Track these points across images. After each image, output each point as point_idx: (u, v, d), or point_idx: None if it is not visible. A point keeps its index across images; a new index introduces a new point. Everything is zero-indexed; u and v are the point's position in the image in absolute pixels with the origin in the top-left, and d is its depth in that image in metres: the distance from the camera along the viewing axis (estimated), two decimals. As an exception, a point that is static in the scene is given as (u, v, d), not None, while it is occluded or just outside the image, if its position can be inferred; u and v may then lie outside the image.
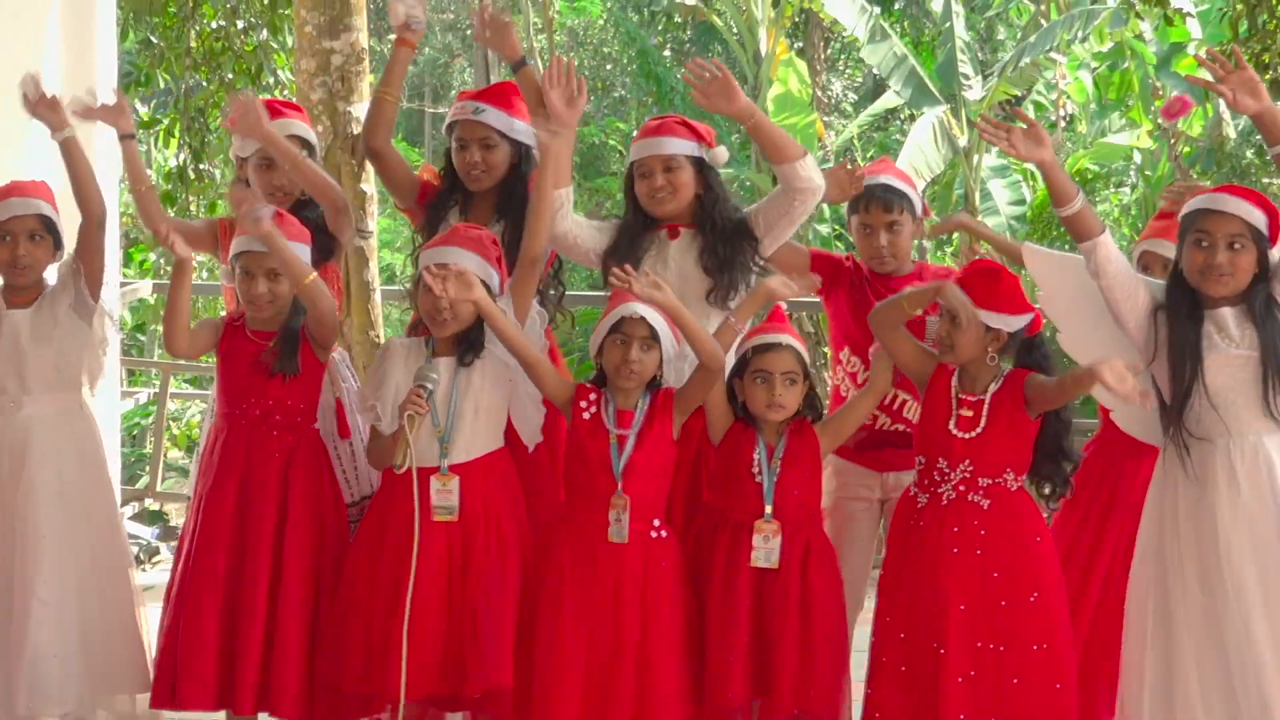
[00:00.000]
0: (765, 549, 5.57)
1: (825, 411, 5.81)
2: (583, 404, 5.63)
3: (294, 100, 8.71)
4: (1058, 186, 5.42)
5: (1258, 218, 5.34)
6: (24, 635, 5.80)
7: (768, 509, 5.59)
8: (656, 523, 5.61)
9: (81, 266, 5.98)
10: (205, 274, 10.08)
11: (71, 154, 6.01)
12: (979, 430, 5.54)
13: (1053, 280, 5.70)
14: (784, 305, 6.05)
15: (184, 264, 5.89)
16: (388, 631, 5.57)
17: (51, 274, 6.07)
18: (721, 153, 6.18)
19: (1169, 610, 5.49)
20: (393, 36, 6.59)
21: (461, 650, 5.58)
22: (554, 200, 5.89)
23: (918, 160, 20.83)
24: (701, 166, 6.09)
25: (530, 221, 5.83)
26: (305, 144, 6.44)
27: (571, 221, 6.09)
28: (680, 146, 6.05)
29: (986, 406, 5.54)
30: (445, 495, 5.59)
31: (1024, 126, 5.42)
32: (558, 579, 5.57)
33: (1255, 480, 5.33)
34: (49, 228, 5.97)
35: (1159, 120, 6.76)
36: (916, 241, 6.44)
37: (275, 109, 6.49)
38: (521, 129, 6.26)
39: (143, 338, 14.19)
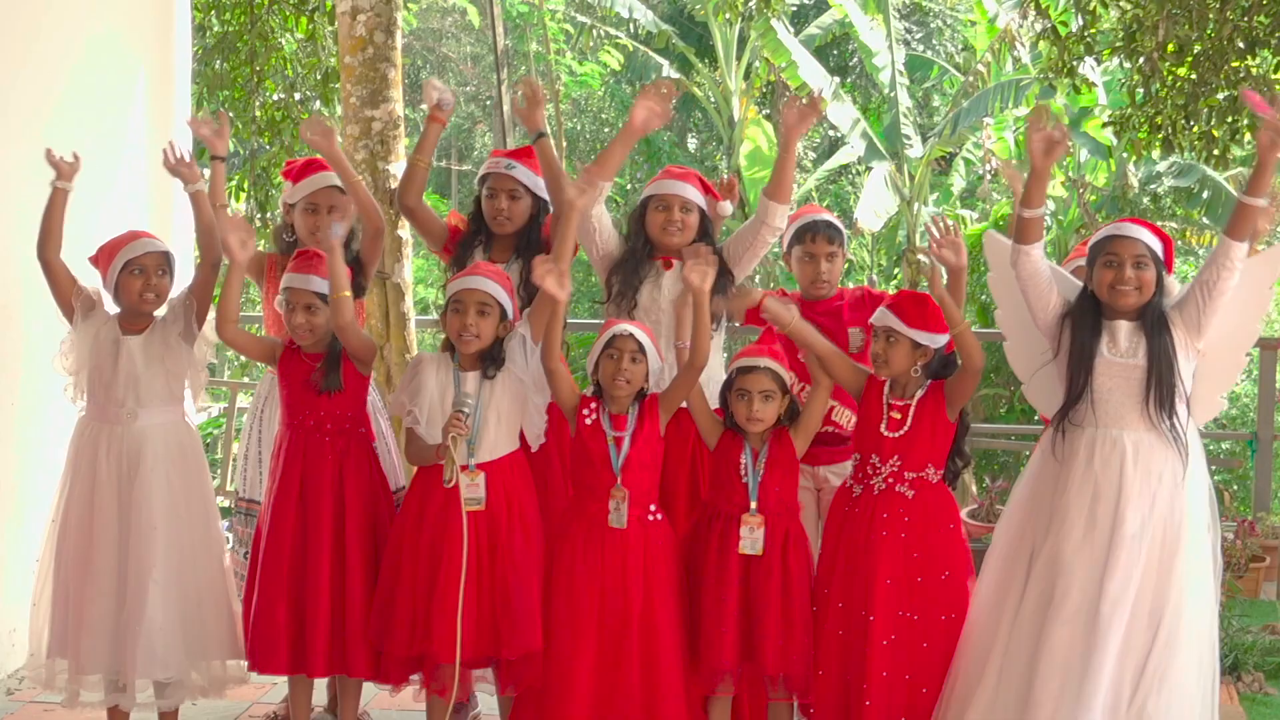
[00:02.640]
0: (751, 538, 5.62)
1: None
2: (585, 411, 5.68)
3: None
4: (1035, 192, 5.43)
5: (1155, 243, 5.40)
6: (140, 610, 5.84)
7: (753, 504, 5.64)
8: (652, 508, 5.66)
9: (194, 302, 6.03)
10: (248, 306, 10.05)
11: (199, 205, 6.14)
12: (905, 430, 5.60)
13: (1000, 264, 5.73)
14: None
15: (237, 263, 5.93)
16: (429, 604, 5.61)
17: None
18: (726, 207, 6.30)
19: (1006, 565, 5.54)
20: (424, 106, 6.62)
21: (495, 621, 5.62)
22: (574, 233, 5.87)
23: (876, 207, 20.91)
24: (704, 216, 6.16)
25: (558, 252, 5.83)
26: (342, 193, 6.49)
27: (602, 210, 6.19)
28: (696, 195, 6.15)
29: (912, 410, 5.62)
30: (474, 489, 5.61)
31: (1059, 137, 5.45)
32: (570, 560, 5.61)
33: (1107, 468, 5.36)
34: (170, 265, 6.02)
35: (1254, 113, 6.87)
36: (864, 274, 6.48)
37: (320, 164, 6.54)
38: (542, 185, 6.32)
39: (214, 360, 14.19)
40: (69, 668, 5.97)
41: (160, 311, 6.04)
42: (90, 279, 6.05)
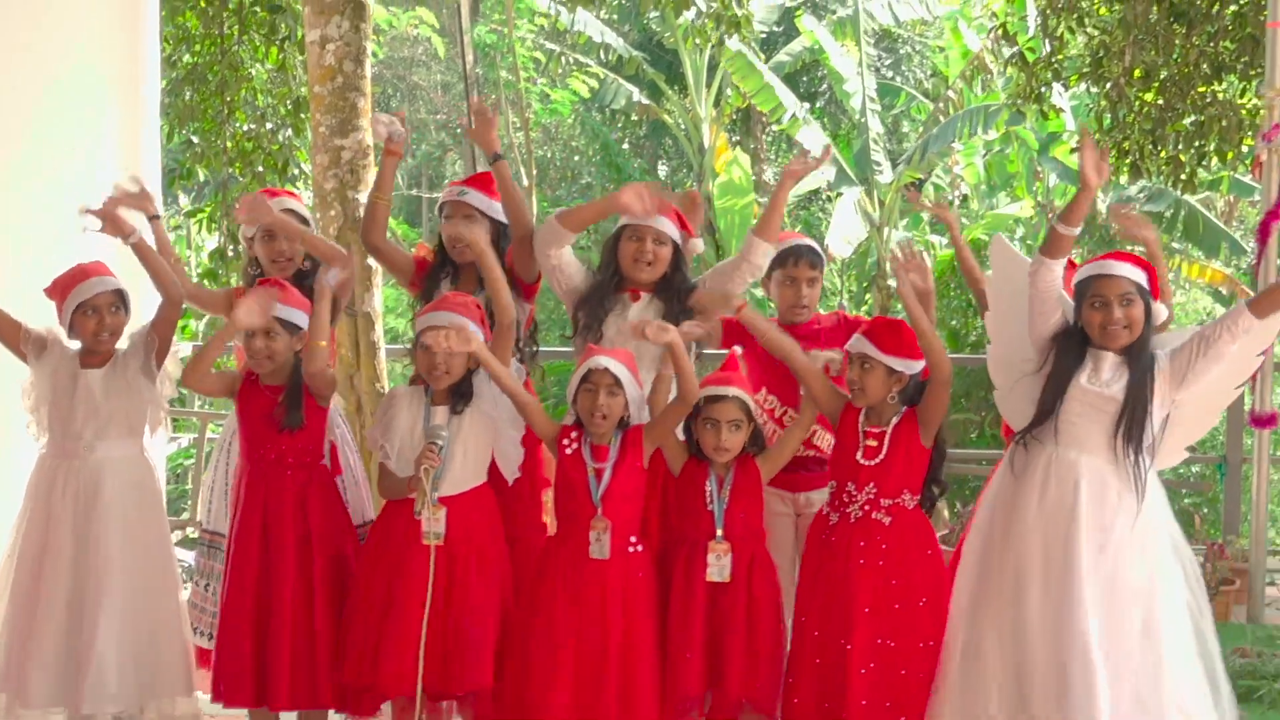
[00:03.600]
0: (718, 565, 5.62)
1: (767, 445, 5.85)
2: (565, 442, 5.69)
3: (311, 188, 8.77)
4: (1077, 210, 5.43)
5: (1140, 275, 5.42)
6: (92, 643, 5.83)
7: (719, 531, 5.64)
8: (633, 539, 5.66)
9: (155, 338, 6.03)
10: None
11: (144, 254, 6.10)
12: (881, 457, 5.61)
13: (1003, 270, 5.78)
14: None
15: (231, 323, 5.89)
16: (380, 636, 5.62)
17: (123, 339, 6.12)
18: (698, 244, 6.28)
19: (976, 584, 5.55)
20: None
21: (446, 656, 5.61)
22: (502, 278, 5.88)
23: (847, 233, 20.94)
24: (677, 249, 6.16)
25: (494, 300, 5.83)
26: (300, 217, 6.52)
27: (566, 255, 6.20)
28: (671, 229, 6.13)
29: (888, 437, 5.62)
30: (434, 523, 5.62)
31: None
32: (551, 590, 5.61)
33: (1062, 488, 5.39)
34: (123, 299, 6.03)
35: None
36: (836, 299, 6.51)
37: (273, 193, 6.58)
38: (498, 209, 6.31)
39: (185, 391, 14.16)
40: (9, 702, 5.95)
41: (122, 344, 6.04)
42: (44, 313, 6.05)
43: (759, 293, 8.15)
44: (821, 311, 6.56)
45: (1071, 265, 5.83)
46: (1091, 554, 5.33)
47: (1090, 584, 5.31)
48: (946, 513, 13.11)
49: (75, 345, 6.06)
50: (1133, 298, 5.39)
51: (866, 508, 5.61)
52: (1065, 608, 5.30)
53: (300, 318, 5.90)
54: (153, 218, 6.35)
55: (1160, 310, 5.56)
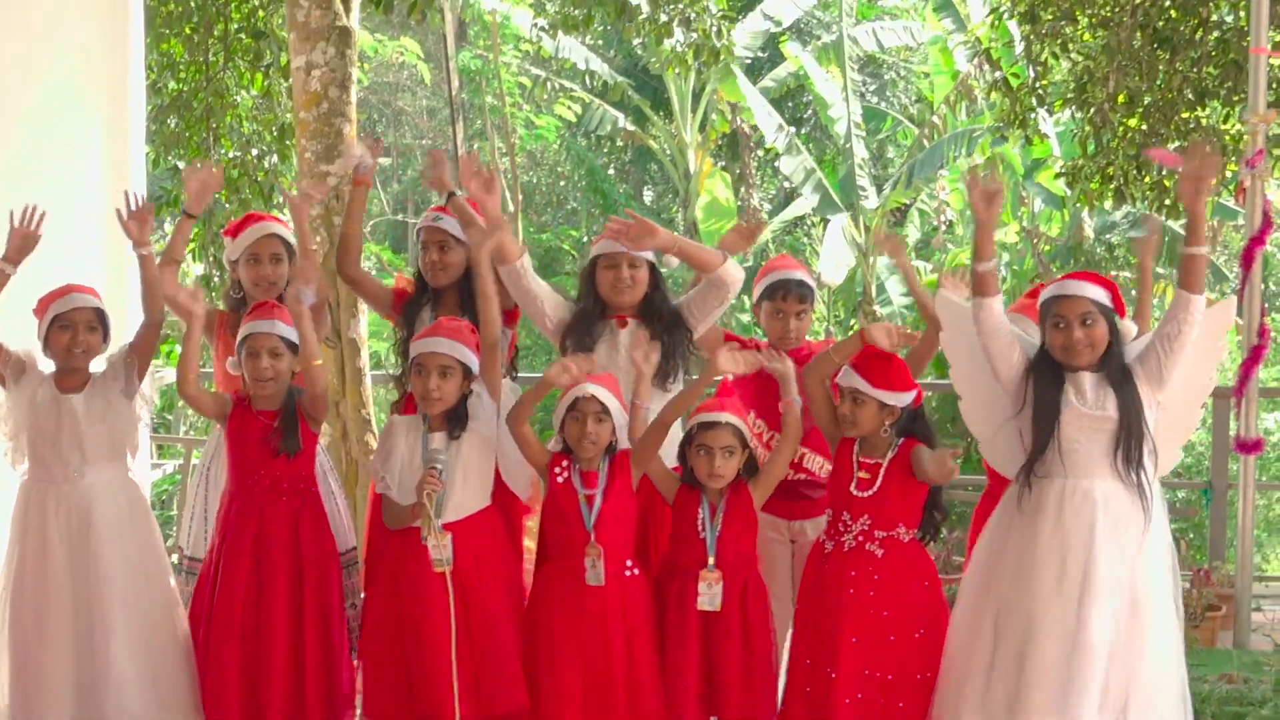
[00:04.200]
0: (710, 594, 5.62)
1: (759, 469, 5.85)
2: (556, 470, 5.69)
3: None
4: (982, 245, 5.50)
5: (1100, 294, 5.43)
6: (107, 664, 5.83)
7: (711, 559, 5.64)
8: (628, 563, 5.67)
9: (135, 360, 6.02)
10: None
11: (146, 267, 6.09)
12: (874, 490, 5.59)
13: (952, 324, 5.76)
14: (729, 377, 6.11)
15: (192, 318, 5.93)
16: (412, 669, 5.62)
17: (98, 362, 6.09)
18: (673, 260, 6.26)
19: (978, 620, 5.54)
20: (382, 160, 6.63)
21: (478, 680, 5.61)
22: (494, 293, 5.88)
23: (837, 259, 20.97)
24: (654, 269, 6.16)
25: (481, 315, 5.85)
26: (286, 243, 6.51)
27: (534, 282, 6.13)
28: (648, 255, 6.12)
29: (882, 471, 5.61)
30: (441, 549, 5.60)
31: (994, 187, 5.51)
32: (549, 620, 5.62)
33: (1079, 518, 5.37)
34: (102, 321, 6.01)
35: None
36: (823, 325, 6.51)
37: (257, 217, 6.61)
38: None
39: (170, 416, 14.14)
40: None
41: (98, 368, 6.03)
42: (25, 343, 6.05)
43: (745, 318, 8.15)
44: (810, 340, 6.55)
45: (1037, 290, 5.87)
46: (1108, 585, 5.33)
47: (1105, 615, 5.31)
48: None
49: (49, 368, 6.03)
50: (1093, 316, 5.40)
51: (860, 538, 5.60)
52: (1081, 643, 5.30)
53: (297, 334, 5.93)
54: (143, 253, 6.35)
55: (1128, 327, 5.58)
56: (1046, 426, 5.42)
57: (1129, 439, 5.35)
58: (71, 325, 5.94)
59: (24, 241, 6.02)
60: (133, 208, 6.14)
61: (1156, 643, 5.41)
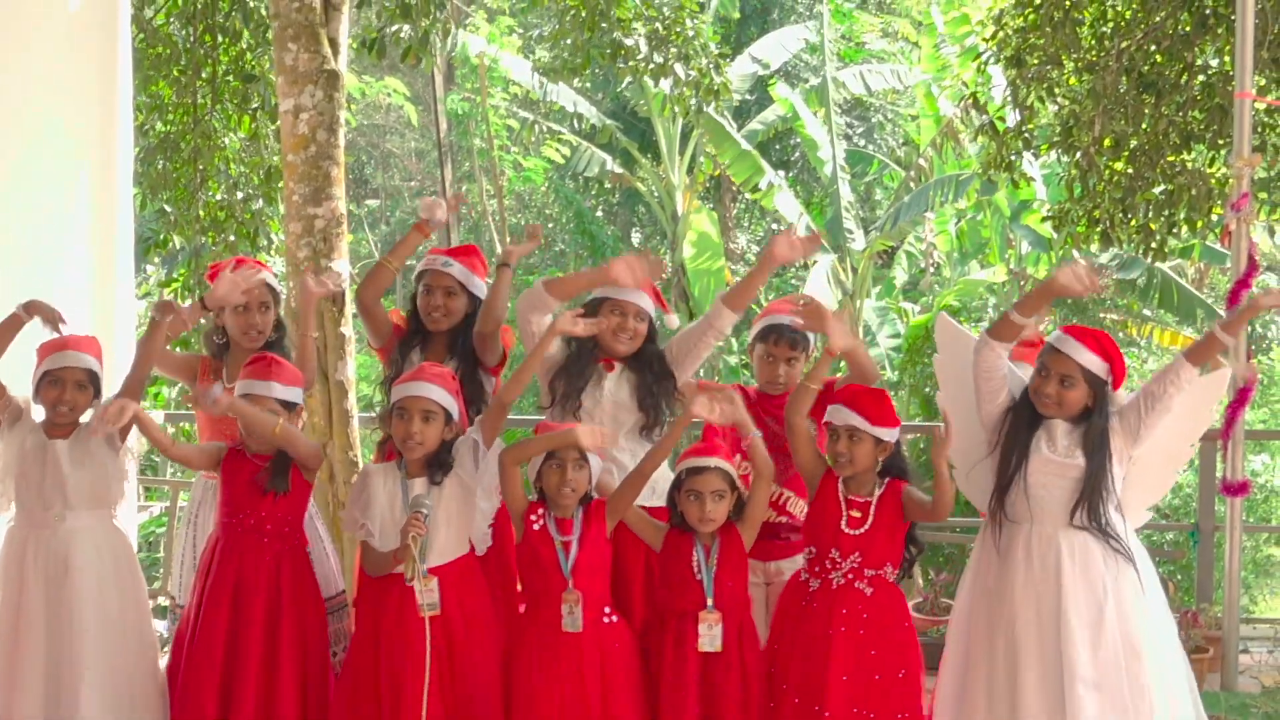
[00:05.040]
0: (710, 635, 5.63)
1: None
2: (532, 518, 5.70)
3: (284, 257, 8.79)
4: (1037, 306, 5.56)
5: (1093, 362, 5.45)
6: (75, 711, 5.82)
7: (710, 600, 5.65)
8: (606, 610, 5.67)
9: None
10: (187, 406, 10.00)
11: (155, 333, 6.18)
12: (866, 528, 5.62)
13: (948, 348, 5.85)
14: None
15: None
16: (394, 713, 5.60)
17: (88, 413, 6.11)
18: (673, 319, 6.29)
19: (968, 664, 5.56)
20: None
21: None
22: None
23: (820, 301, 20.97)
24: (651, 324, 6.20)
25: (514, 375, 5.87)
26: (272, 289, 6.51)
27: (547, 324, 6.10)
28: (649, 304, 6.15)
29: (873, 509, 5.63)
30: (428, 594, 5.60)
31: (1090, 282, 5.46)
32: (527, 668, 5.61)
33: (1045, 564, 5.42)
34: (92, 380, 6.05)
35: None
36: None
37: (244, 263, 6.60)
38: (478, 285, 6.35)
39: (156, 459, 14.11)
40: None
41: (86, 417, 6.05)
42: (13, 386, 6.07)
43: (734, 359, 8.15)
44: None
45: (1027, 344, 5.90)
46: (1088, 631, 5.34)
47: (1088, 660, 5.32)
48: (920, 580, 13.10)
49: (40, 415, 6.07)
50: (1074, 380, 5.44)
51: (850, 576, 5.62)
52: (1067, 679, 5.31)
53: (296, 394, 5.97)
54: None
55: (1122, 398, 5.60)
56: (1013, 465, 5.48)
57: (1092, 492, 5.39)
58: (60, 383, 5.99)
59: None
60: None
61: (1169, 686, 5.44)
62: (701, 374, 8.27)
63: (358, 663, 5.74)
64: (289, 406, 5.92)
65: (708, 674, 5.64)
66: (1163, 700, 5.44)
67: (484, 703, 5.63)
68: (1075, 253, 13.02)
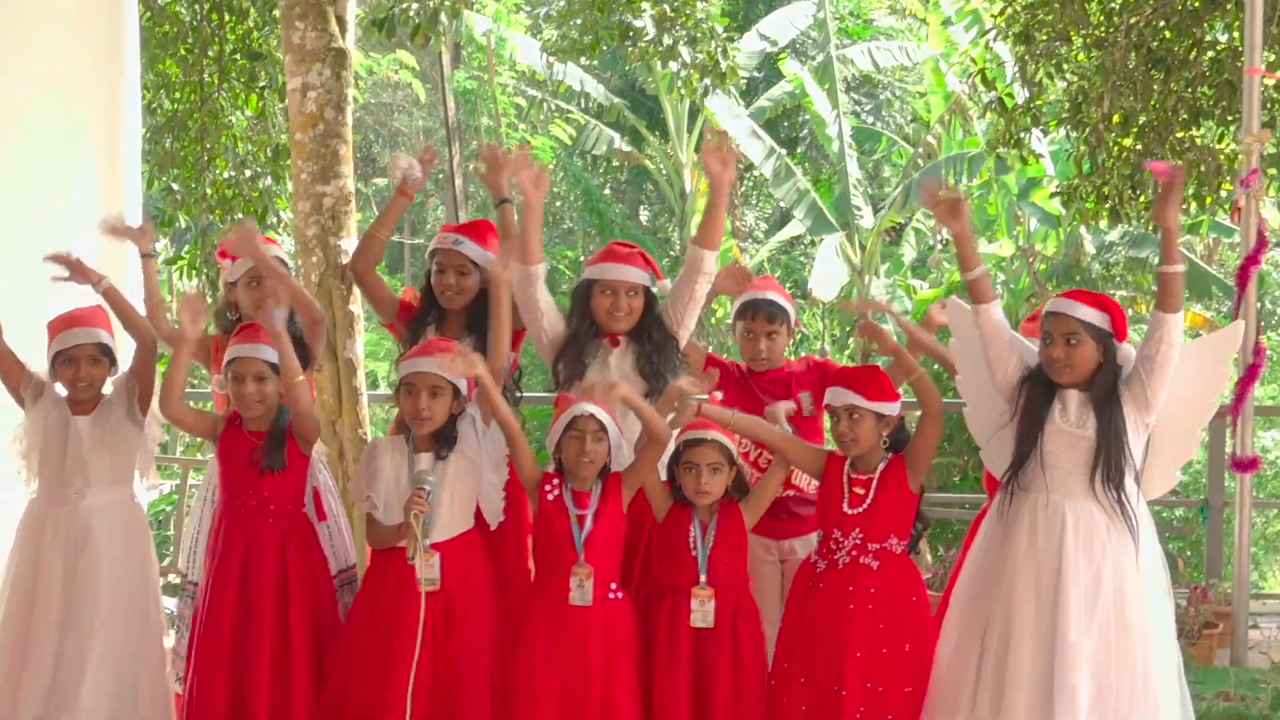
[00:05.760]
0: (702, 611, 5.63)
1: (750, 486, 5.87)
2: (547, 488, 5.69)
3: (292, 235, 8.79)
4: (965, 255, 5.53)
5: (1092, 315, 5.43)
6: (79, 687, 5.84)
7: (703, 577, 5.65)
8: (613, 586, 5.67)
9: (135, 384, 6.05)
10: (196, 382, 10.02)
11: (113, 300, 6.12)
12: (867, 504, 5.62)
13: (959, 328, 5.82)
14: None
15: (182, 340, 5.91)
16: (381, 683, 5.60)
17: (109, 385, 6.13)
18: (666, 285, 6.28)
19: (964, 629, 5.56)
20: (378, 180, 6.66)
21: (446, 701, 5.61)
22: (508, 321, 6.00)
23: (827, 279, 20.97)
24: (648, 292, 6.17)
25: (491, 339, 5.89)
26: (283, 264, 6.52)
27: (541, 292, 6.12)
28: (641, 276, 6.13)
29: (875, 483, 5.63)
30: (429, 569, 5.62)
31: (954, 196, 5.53)
32: (531, 638, 5.60)
33: (1049, 533, 5.41)
34: (105, 351, 6.05)
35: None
36: (818, 344, 6.52)
37: (263, 240, 6.60)
38: (490, 259, 6.32)
39: (167, 436, 14.16)
40: None
41: (108, 389, 6.05)
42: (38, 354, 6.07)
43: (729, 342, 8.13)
44: (791, 358, 6.55)
45: (1033, 319, 5.91)
46: (1084, 602, 5.34)
47: (1083, 633, 5.32)
48: (929, 557, 13.13)
49: (63, 391, 6.08)
50: (1079, 337, 5.42)
51: (854, 553, 5.62)
52: (1057, 660, 5.31)
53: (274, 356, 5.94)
54: (145, 255, 6.38)
55: (1128, 351, 5.59)
56: (1029, 437, 5.47)
57: (1107, 460, 5.37)
58: (74, 361, 6.00)
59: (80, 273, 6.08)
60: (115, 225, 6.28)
61: (1154, 662, 5.42)
62: (712, 349, 8.24)
63: (354, 632, 5.76)
64: (277, 370, 5.90)
65: (699, 650, 5.64)
66: (1148, 677, 5.42)
67: (471, 681, 5.63)
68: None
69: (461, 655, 5.64)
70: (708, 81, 11.49)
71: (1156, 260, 19.01)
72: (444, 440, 5.75)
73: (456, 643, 5.64)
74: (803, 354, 6.49)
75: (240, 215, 11.35)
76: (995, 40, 11.14)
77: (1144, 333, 5.52)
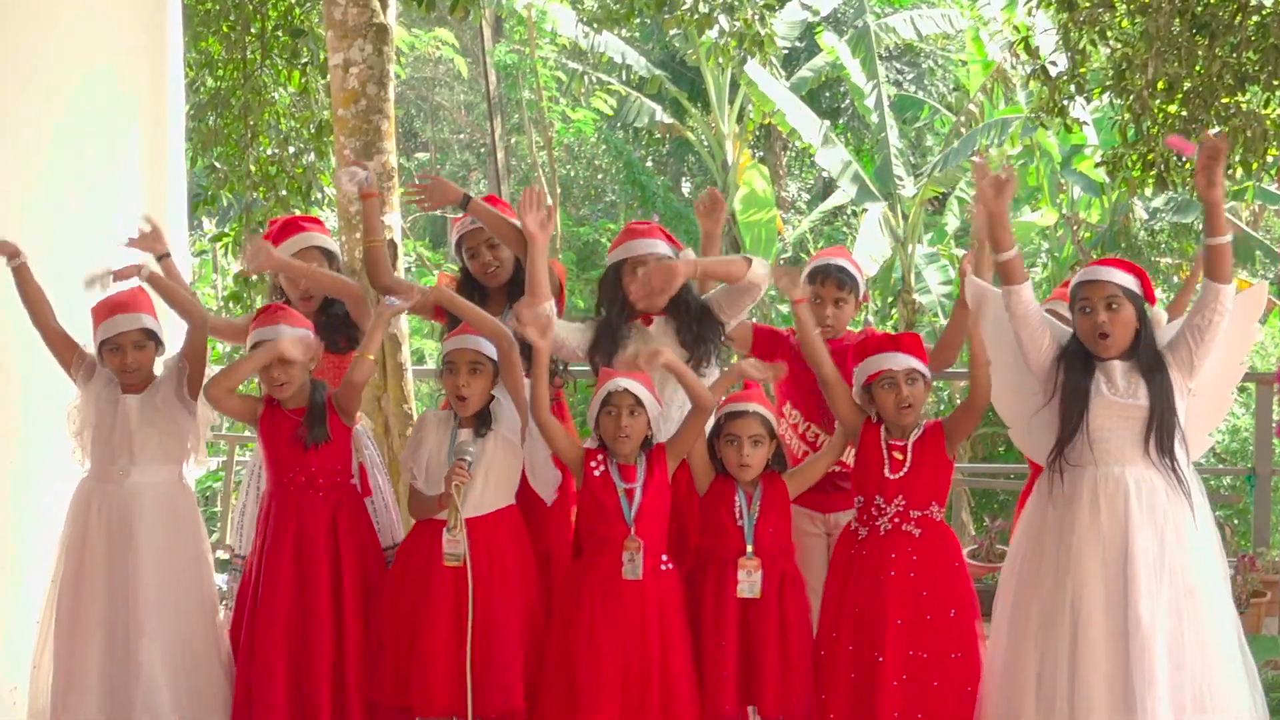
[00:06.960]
0: (749, 581, 5.64)
1: (789, 463, 5.87)
2: (592, 464, 5.70)
3: (336, 210, 8.80)
4: (999, 236, 5.49)
5: (1126, 279, 5.43)
6: (137, 666, 5.88)
7: (749, 548, 5.65)
8: (664, 558, 5.68)
9: (186, 365, 6.07)
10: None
11: (157, 285, 6.17)
12: (906, 470, 5.63)
13: (984, 310, 5.77)
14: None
15: (271, 351, 5.90)
16: (410, 656, 5.67)
17: (160, 365, 6.19)
18: (689, 253, 6.25)
19: (1023, 614, 5.53)
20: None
21: (475, 676, 5.63)
22: (545, 264, 6.00)
23: (870, 249, 20.91)
24: None
25: (528, 286, 5.89)
26: (327, 252, 6.53)
27: (558, 327, 6.02)
28: (667, 249, 6.11)
29: (910, 449, 5.64)
30: (453, 544, 5.65)
31: (1006, 175, 5.48)
32: (589, 616, 5.61)
33: (1113, 505, 5.38)
34: (150, 335, 6.08)
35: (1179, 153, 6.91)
36: (863, 315, 6.52)
37: (299, 225, 6.61)
38: (516, 224, 6.29)
39: (217, 419, 14.25)
40: None
41: (159, 369, 6.09)
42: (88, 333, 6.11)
43: (785, 308, 8.11)
44: (853, 329, 6.52)
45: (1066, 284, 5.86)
46: (1153, 573, 5.32)
47: (1155, 610, 5.30)
48: (973, 527, 13.09)
49: None
50: (1119, 300, 5.41)
51: (896, 520, 5.64)
52: (1131, 627, 5.28)
53: (308, 335, 5.98)
54: (162, 257, 6.44)
55: (1158, 315, 5.57)
56: (1075, 415, 5.43)
57: (1160, 427, 5.36)
58: (120, 349, 6.04)
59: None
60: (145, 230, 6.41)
61: (1218, 630, 5.41)
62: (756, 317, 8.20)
63: (388, 603, 5.80)
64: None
65: (746, 620, 5.66)
66: (1214, 639, 5.41)
67: (502, 656, 5.65)
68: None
69: (489, 635, 5.66)
70: (745, 50, 11.44)
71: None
72: (483, 420, 5.79)
73: (481, 621, 5.66)
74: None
75: (284, 192, 11.38)
76: (1039, 8, 11.05)
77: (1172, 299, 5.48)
